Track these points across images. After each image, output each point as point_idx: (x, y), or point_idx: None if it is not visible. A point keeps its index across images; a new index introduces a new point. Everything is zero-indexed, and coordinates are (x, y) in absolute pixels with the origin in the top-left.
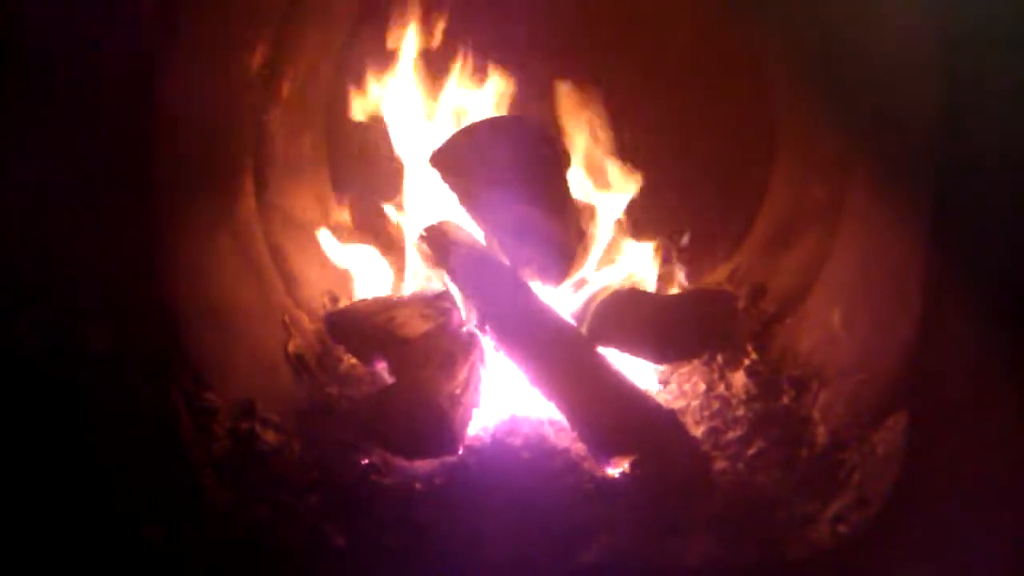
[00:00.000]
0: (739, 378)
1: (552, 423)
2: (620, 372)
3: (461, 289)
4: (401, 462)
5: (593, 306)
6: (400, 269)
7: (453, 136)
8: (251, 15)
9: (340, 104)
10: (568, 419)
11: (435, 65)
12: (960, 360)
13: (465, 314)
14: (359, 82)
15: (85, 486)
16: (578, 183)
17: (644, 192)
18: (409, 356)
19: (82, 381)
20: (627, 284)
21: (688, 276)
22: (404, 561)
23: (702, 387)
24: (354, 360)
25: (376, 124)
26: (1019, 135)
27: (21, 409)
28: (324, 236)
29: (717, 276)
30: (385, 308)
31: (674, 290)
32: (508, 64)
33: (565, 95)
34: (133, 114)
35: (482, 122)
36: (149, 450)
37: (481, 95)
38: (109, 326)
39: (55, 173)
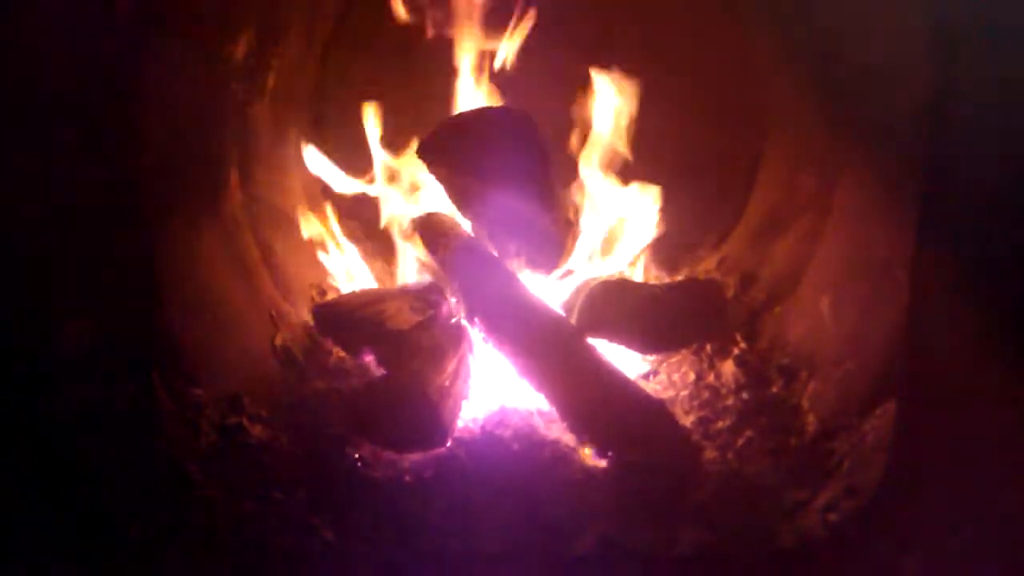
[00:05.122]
0: (728, 367)
1: (541, 414)
2: (609, 362)
3: (450, 280)
4: (390, 455)
5: (582, 296)
6: (388, 261)
7: (440, 126)
8: (234, 4)
9: (326, 96)
10: (557, 410)
11: (425, 54)
12: (949, 348)
13: (454, 306)
14: (345, 73)
15: (70, 483)
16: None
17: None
18: (398, 348)
19: (66, 376)
20: (616, 274)
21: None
22: (394, 554)
23: (691, 377)
24: (342, 353)
25: (363, 115)
26: (1008, 126)
27: (3, 406)
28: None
29: (706, 265)
30: (373, 300)
31: (664, 280)
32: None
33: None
34: (115, 106)
35: (469, 112)
36: (135, 446)
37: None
38: (94, 320)
39: (36, 167)
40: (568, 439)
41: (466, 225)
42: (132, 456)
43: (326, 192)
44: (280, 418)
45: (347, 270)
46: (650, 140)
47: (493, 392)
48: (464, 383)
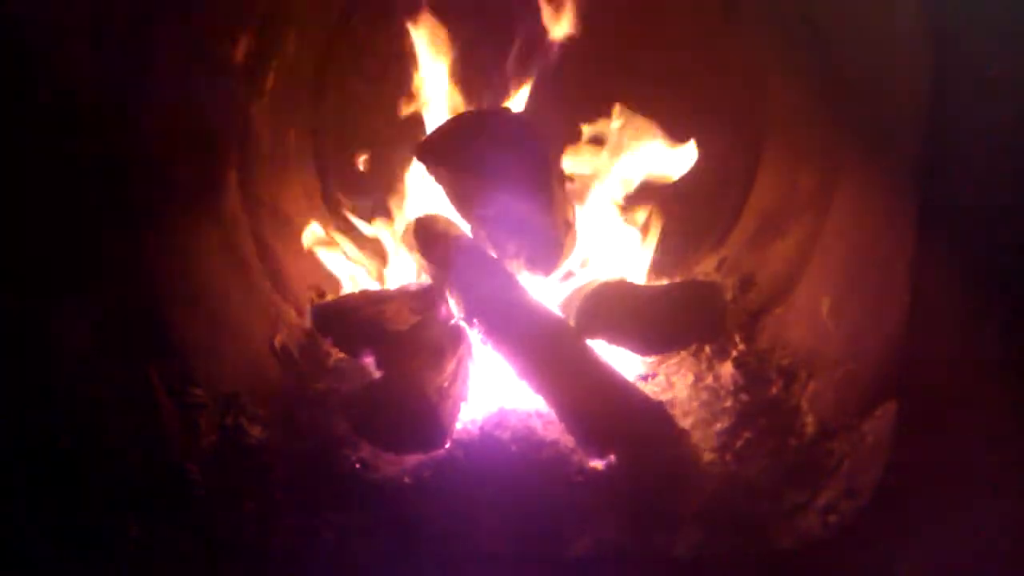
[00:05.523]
0: (727, 369)
1: (540, 415)
2: (608, 364)
3: (449, 282)
4: (389, 456)
5: (581, 298)
6: (388, 262)
7: (439, 128)
8: (235, 5)
9: (326, 96)
10: (556, 411)
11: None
12: (948, 349)
13: (453, 307)
14: (346, 73)
15: (69, 482)
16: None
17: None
18: (397, 349)
19: (66, 375)
20: (615, 276)
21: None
22: (393, 555)
23: (690, 378)
24: (341, 354)
25: (363, 116)
26: (1008, 126)
27: (3, 407)
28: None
29: (705, 266)
30: (373, 301)
31: (663, 281)
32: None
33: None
34: (117, 107)
35: (468, 114)
36: (134, 446)
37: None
38: (94, 320)
39: (38, 165)
40: (567, 440)
41: (465, 227)
42: (132, 456)
43: (326, 192)
44: (279, 419)
45: (346, 270)
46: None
47: (492, 393)
48: (463, 384)
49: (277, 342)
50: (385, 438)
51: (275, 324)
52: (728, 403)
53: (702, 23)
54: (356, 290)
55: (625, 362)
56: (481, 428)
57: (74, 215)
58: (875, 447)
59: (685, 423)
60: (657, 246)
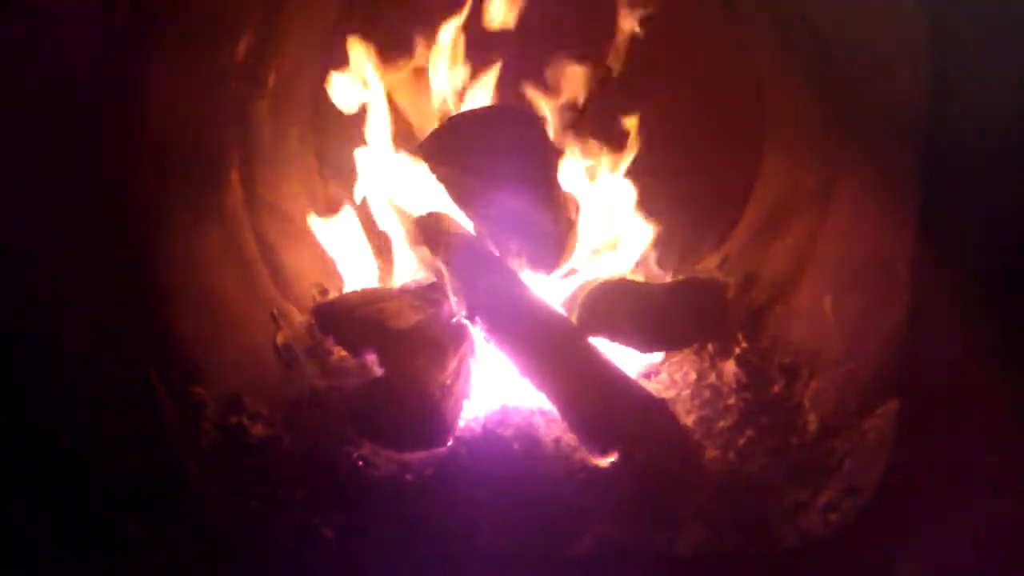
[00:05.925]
0: (730, 367)
1: (543, 413)
2: (610, 362)
3: (451, 280)
4: (391, 454)
5: (583, 296)
6: (389, 261)
7: (441, 126)
8: (236, 3)
9: (328, 94)
10: (558, 409)
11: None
12: (950, 348)
13: (455, 305)
14: (346, 72)
15: (69, 481)
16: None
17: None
18: (399, 347)
19: (66, 374)
20: (617, 273)
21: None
22: (395, 553)
23: (693, 376)
24: (343, 352)
25: (365, 114)
26: (1008, 125)
27: (4, 407)
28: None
29: (707, 264)
30: (375, 299)
31: (665, 279)
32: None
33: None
34: (118, 105)
35: (471, 111)
36: (135, 445)
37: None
38: (95, 319)
39: (40, 165)
40: (569, 438)
41: (468, 225)
42: (132, 456)
43: (327, 191)
44: (281, 417)
45: (348, 268)
46: (651, 140)
47: (494, 391)
48: (465, 382)
49: (279, 340)
50: (387, 436)
51: (277, 322)
52: (730, 401)
53: (702, 22)
54: (358, 288)
55: (627, 360)
56: (483, 426)
57: (74, 214)
58: (876, 445)
59: (687, 421)
60: (659, 244)
